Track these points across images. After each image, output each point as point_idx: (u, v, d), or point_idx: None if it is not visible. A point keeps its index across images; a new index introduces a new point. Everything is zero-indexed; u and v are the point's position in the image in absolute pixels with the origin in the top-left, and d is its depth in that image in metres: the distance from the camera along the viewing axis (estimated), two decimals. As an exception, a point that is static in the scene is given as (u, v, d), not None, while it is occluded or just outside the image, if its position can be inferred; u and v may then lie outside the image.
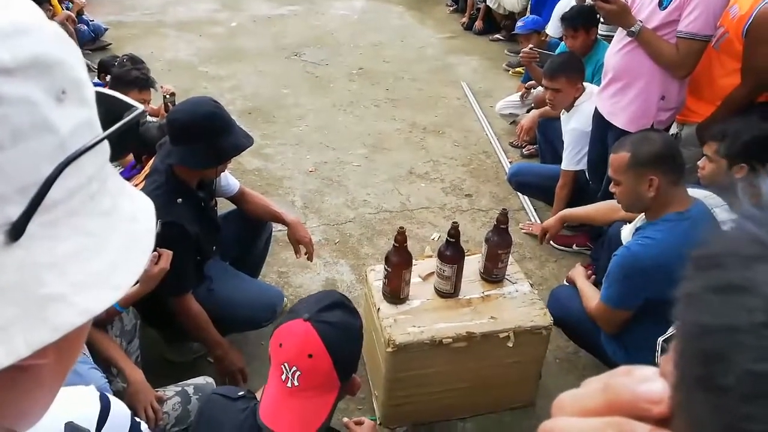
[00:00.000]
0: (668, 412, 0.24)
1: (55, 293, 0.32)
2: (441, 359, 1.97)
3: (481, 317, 2.00)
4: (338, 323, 1.21)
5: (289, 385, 1.17)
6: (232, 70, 4.99)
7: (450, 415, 2.17)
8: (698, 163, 2.21)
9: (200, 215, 2.04)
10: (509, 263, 2.16)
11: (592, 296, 2.08)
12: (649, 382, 0.25)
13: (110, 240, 0.36)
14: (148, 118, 2.87)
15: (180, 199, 1.94)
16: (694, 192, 1.96)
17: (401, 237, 1.94)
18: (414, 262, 2.06)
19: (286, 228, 2.35)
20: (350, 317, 1.27)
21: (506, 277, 2.15)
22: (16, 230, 0.30)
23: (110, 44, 5.32)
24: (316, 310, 1.21)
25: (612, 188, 1.99)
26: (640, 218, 2.06)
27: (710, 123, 2.39)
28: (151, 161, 2.08)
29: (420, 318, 1.99)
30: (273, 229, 2.59)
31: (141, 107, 0.40)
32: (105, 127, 0.37)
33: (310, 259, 2.39)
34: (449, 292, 2.05)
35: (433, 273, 2.09)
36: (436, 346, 1.93)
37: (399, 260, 1.96)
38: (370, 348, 2.20)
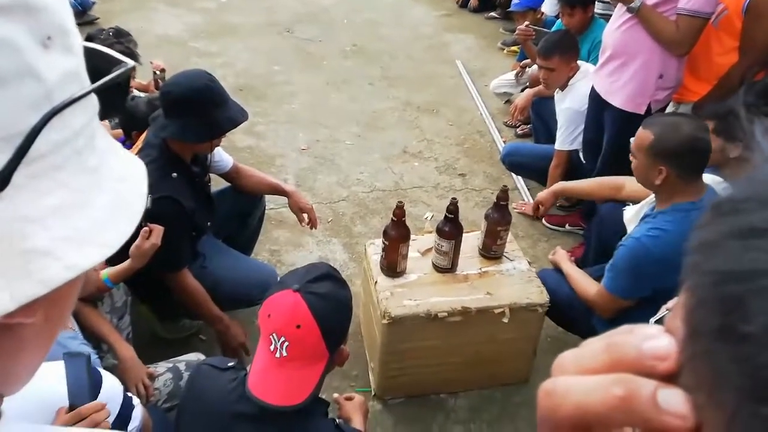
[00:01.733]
0: (675, 368, 0.23)
1: (40, 247, 0.31)
2: (436, 333, 1.99)
3: (478, 293, 2.02)
4: (327, 294, 1.21)
5: (277, 355, 1.18)
6: (223, 45, 4.90)
7: (444, 388, 2.19)
8: None
9: (195, 190, 2.02)
10: (508, 240, 2.18)
11: (586, 283, 2.05)
12: (653, 339, 0.24)
13: (98, 198, 0.35)
14: (137, 93, 2.82)
15: (175, 174, 1.92)
16: (705, 178, 1.90)
17: (400, 211, 1.96)
18: (413, 237, 2.10)
19: (286, 201, 2.35)
20: (339, 288, 1.27)
21: (504, 254, 2.16)
22: (1, 181, 0.30)
23: (98, 18, 5.21)
24: (305, 281, 1.22)
25: (631, 157, 1.94)
26: (647, 202, 2.04)
27: (707, 101, 2.38)
28: (143, 135, 2.04)
29: (416, 292, 2.00)
30: (266, 207, 2.57)
31: (131, 63, 0.38)
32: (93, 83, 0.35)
33: (314, 226, 2.39)
34: (447, 267, 2.07)
35: (431, 248, 2.10)
36: (431, 320, 1.95)
37: (397, 234, 1.98)
38: (367, 320, 2.22)
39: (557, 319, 2.26)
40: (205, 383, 1.29)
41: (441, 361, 2.08)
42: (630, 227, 2.05)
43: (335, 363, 1.28)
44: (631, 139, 1.93)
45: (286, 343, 1.17)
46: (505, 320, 1.98)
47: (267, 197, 2.56)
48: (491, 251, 2.14)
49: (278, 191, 2.39)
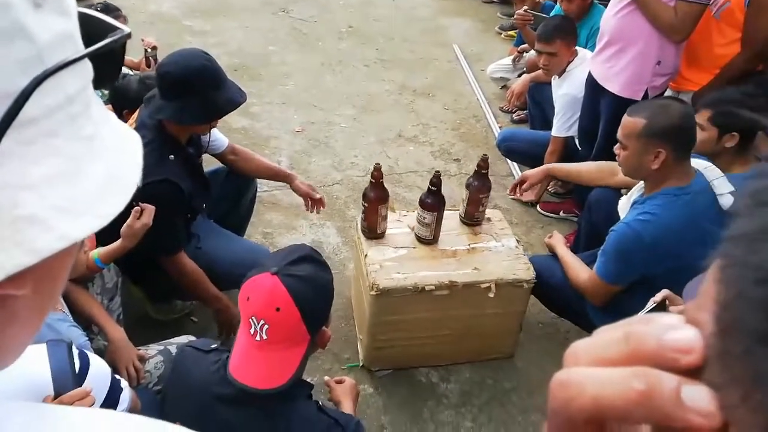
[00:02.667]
0: (700, 362, 0.22)
1: (32, 215, 0.30)
2: (423, 306, 2.03)
3: (465, 268, 2.05)
4: (306, 277, 1.19)
5: (257, 338, 1.17)
6: (217, 24, 4.83)
7: (431, 362, 2.23)
8: None
9: (191, 172, 2.00)
10: (497, 219, 2.27)
11: (579, 268, 2.06)
12: (676, 330, 0.23)
13: (92, 167, 0.34)
14: (128, 71, 2.78)
15: (172, 156, 1.89)
16: (693, 162, 1.92)
17: (378, 173, 2.02)
18: (404, 213, 2.24)
19: (279, 184, 2.37)
20: (319, 270, 1.25)
21: (493, 234, 2.21)
22: None
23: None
24: (284, 263, 1.20)
25: (616, 150, 1.93)
26: (637, 189, 2.04)
27: (707, 91, 2.37)
28: (135, 115, 2.00)
29: (405, 265, 2.05)
30: (258, 189, 2.55)
31: (127, 29, 0.36)
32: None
33: (323, 205, 2.43)
34: (428, 238, 2.12)
35: None
36: (418, 293, 1.98)
37: (375, 196, 2.04)
38: (357, 294, 2.27)
39: (549, 303, 2.27)
40: (188, 365, 1.28)
41: (428, 334, 2.13)
42: (622, 214, 2.05)
43: (317, 345, 1.28)
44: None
45: (266, 326, 1.16)
46: (491, 295, 2.01)
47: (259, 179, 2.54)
48: (474, 218, 2.22)
49: (279, 176, 2.39)
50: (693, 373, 0.22)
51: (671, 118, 1.80)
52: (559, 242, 2.23)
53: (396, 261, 2.06)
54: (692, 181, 1.86)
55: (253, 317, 1.17)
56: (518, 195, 3.14)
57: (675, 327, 0.23)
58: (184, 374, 1.29)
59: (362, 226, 2.15)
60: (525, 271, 2.07)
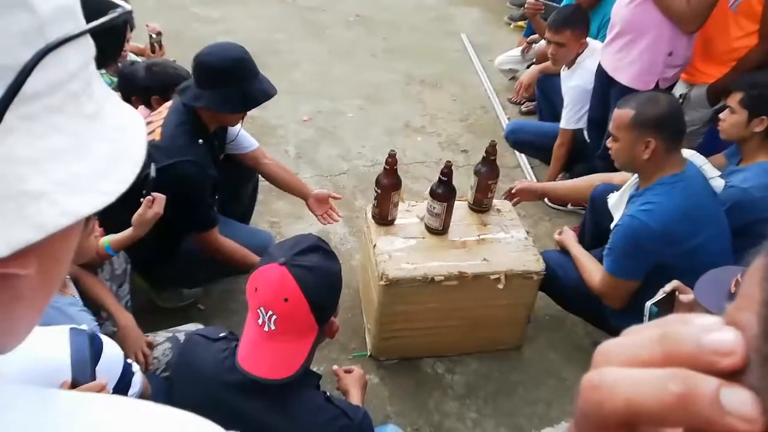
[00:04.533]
0: (741, 365, 0.21)
1: (36, 190, 0.30)
2: (432, 296, 2.02)
3: (474, 258, 2.05)
4: (314, 267, 1.19)
5: (266, 329, 1.16)
6: (225, 12, 4.80)
7: (439, 352, 2.23)
8: (720, 115, 2.20)
9: (213, 161, 2.05)
10: (507, 210, 2.28)
11: (593, 269, 2.03)
12: (716, 332, 0.22)
13: (95, 145, 0.33)
14: (135, 57, 2.77)
15: (201, 141, 1.96)
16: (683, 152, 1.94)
17: (392, 160, 2.04)
18: (413, 203, 2.25)
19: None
20: (327, 261, 1.24)
21: (501, 224, 2.21)
22: None
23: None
24: (292, 254, 1.19)
25: (609, 143, 1.96)
26: (629, 185, 2.03)
27: (723, 83, 2.36)
28: (168, 103, 2.05)
29: (415, 256, 2.05)
30: (260, 178, 2.56)
31: (128, 6, 0.36)
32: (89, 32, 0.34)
33: (335, 220, 2.44)
34: (438, 228, 2.12)
35: None
36: (428, 283, 1.98)
37: (389, 182, 2.06)
38: (365, 283, 2.27)
39: (561, 300, 2.26)
40: (196, 353, 1.29)
41: (436, 324, 2.13)
42: (616, 213, 2.04)
43: (325, 335, 1.28)
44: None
45: (274, 317, 1.16)
46: (500, 286, 2.01)
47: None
48: (483, 205, 2.23)
49: (301, 194, 2.41)
50: (732, 376, 0.21)
51: (659, 108, 1.83)
52: (571, 240, 2.21)
53: (405, 251, 2.06)
54: (686, 168, 1.88)
55: (261, 308, 1.17)
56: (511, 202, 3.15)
57: (714, 328, 0.22)
58: (191, 361, 1.29)
59: (373, 213, 2.15)
60: (534, 263, 2.06)
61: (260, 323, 1.17)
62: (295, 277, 1.16)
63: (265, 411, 1.19)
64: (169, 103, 2.04)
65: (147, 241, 1.75)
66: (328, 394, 1.28)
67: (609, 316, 2.05)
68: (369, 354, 2.21)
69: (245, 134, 2.29)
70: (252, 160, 2.34)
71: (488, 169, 2.16)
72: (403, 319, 2.09)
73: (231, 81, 1.87)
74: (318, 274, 1.19)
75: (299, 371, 1.17)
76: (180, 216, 1.84)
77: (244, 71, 1.89)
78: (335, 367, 1.65)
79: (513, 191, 2.40)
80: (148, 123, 2.02)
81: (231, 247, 2.05)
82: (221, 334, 1.32)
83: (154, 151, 1.87)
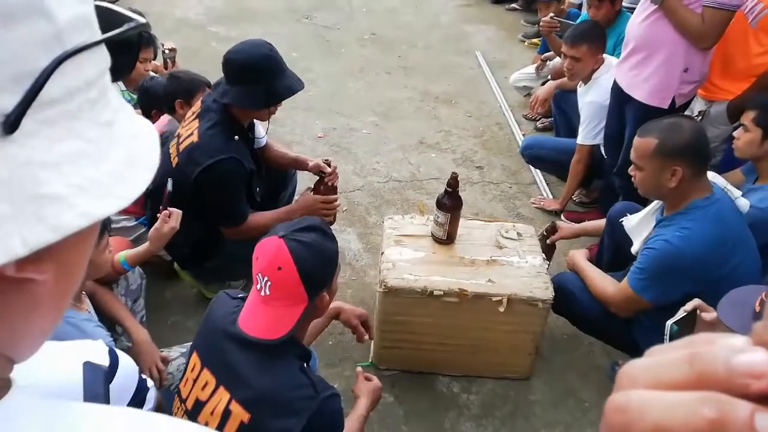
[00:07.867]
0: None
1: (53, 193, 0.31)
2: (431, 310, 2.02)
3: (479, 278, 2.03)
4: (309, 242, 1.30)
5: (262, 293, 1.29)
6: (243, 31, 4.88)
7: (440, 369, 2.22)
8: (734, 134, 2.17)
9: (251, 155, 2.11)
10: (528, 235, 2.25)
11: (602, 280, 2.00)
12: (746, 353, 0.21)
13: (111, 151, 0.34)
14: (153, 73, 2.82)
15: (237, 137, 2.01)
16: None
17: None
18: (429, 217, 2.24)
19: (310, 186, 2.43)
20: (324, 240, 1.35)
21: (518, 249, 2.16)
22: (11, 123, 0.29)
23: (117, 0, 5.22)
24: (292, 230, 1.32)
25: (632, 171, 1.91)
26: (651, 210, 1.99)
27: (743, 99, 2.33)
28: (199, 102, 2.11)
29: (419, 268, 2.05)
30: (296, 185, 2.66)
31: (142, 20, 0.37)
32: (104, 43, 0.35)
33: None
34: (442, 238, 2.14)
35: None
36: (427, 296, 1.98)
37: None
38: (373, 292, 2.29)
39: (577, 322, 2.21)
40: (217, 305, 1.43)
41: (437, 340, 2.11)
42: (635, 237, 2.00)
43: (317, 308, 1.37)
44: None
45: (269, 283, 1.28)
46: (501, 309, 1.98)
47: (299, 176, 2.65)
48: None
49: (298, 163, 2.47)
50: (763, 399, 0.20)
51: (684, 135, 1.78)
52: (579, 255, 2.18)
53: (411, 262, 2.06)
54: (714, 191, 1.84)
55: (259, 274, 1.30)
56: (542, 204, 3.13)
57: (744, 349, 0.21)
58: (211, 311, 1.44)
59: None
60: (542, 291, 1.99)
61: (258, 288, 1.30)
62: (290, 248, 1.28)
63: (245, 363, 1.29)
64: (195, 107, 2.10)
65: (187, 241, 1.82)
66: (306, 365, 1.35)
67: (639, 338, 2.00)
68: (371, 362, 2.21)
69: (261, 131, 2.35)
70: (263, 153, 2.41)
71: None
72: (403, 330, 2.08)
73: (257, 77, 1.93)
74: (312, 249, 1.30)
75: (284, 336, 1.27)
76: (213, 211, 1.92)
77: (269, 68, 1.95)
78: (359, 368, 1.72)
79: (555, 234, 2.38)
80: (184, 127, 2.08)
81: (265, 220, 2.10)
82: (240, 295, 1.44)
83: (194, 151, 1.92)
